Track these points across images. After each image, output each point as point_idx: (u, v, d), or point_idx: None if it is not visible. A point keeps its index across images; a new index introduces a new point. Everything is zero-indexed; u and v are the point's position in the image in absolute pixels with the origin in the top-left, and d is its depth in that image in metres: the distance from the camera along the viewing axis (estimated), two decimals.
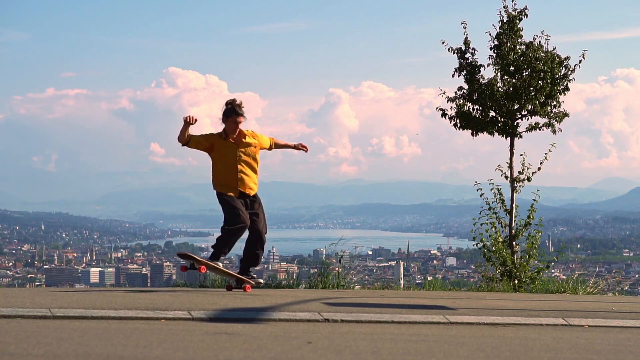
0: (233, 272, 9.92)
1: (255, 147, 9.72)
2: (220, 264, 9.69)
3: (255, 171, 9.73)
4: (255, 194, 9.75)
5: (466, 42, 13.03)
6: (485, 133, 12.98)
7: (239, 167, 9.59)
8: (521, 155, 12.74)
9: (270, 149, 9.99)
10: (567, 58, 12.71)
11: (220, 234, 9.70)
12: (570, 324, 7.99)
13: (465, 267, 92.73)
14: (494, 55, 12.86)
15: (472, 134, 13.04)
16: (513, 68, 12.74)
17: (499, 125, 12.87)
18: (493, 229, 12.47)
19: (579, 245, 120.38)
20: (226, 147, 9.59)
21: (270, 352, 5.56)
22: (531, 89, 12.60)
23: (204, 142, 9.62)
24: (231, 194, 9.59)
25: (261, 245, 9.81)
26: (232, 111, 9.53)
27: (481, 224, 12.55)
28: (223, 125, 9.62)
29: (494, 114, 12.88)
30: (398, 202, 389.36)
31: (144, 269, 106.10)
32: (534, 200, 12.67)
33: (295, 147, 10.16)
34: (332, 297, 9.41)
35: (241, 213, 9.48)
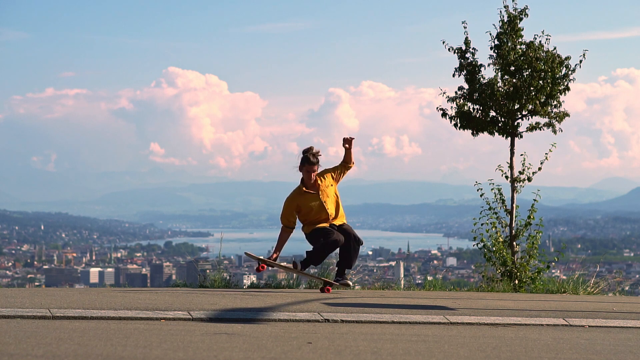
0: (308, 274, 10.33)
1: (333, 184, 10.11)
2: (297, 264, 10.06)
3: (339, 205, 10.15)
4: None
5: (466, 42, 13.01)
6: (485, 133, 12.96)
7: (328, 211, 9.99)
8: (522, 155, 12.72)
9: (347, 169, 10.23)
10: (567, 58, 12.70)
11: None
12: (570, 324, 7.98)
13: (465, 267, 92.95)
14: (495, 55, 12.84)
15: (472, 134, 13.02)
16: (513, 68, 12.73)
17: (500, 125, 12.86)
18: (493, 229, 12.46)
19: (579, 245, 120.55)
20: (310, 199, 9.96)
21: (270, 352, 5.55)
22: (532, 88, 12.58)
23: (295, 215, 10.04)
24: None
25: (355, 249, 10.09)
26: (306, 160, 9.90)
27: (481, 224, 12.53)
28: (300, 174, 10.01)
29: (494, 113, 12.87)
30: (398, 202, 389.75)
31: (144, 269, 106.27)
32: (535, 200, 12.65)
33: (349, 148, 10.22)
34: (332, 297, 9.40)
35: (334, 231, 9.92)
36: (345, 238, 9.99)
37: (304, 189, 9.99)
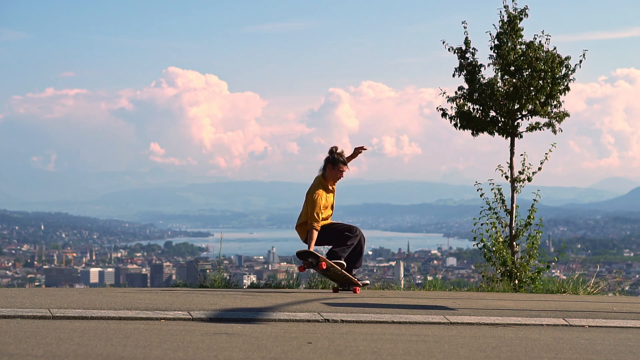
0: (350, 275, 10.13)
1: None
2: (343, 264, 10.01)
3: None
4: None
5: (466, 42, 13.01)
6: (485, 133, 12.96)
7: (333, 209, 10.24)
8: (521, 155, 12.72)
9: None
10: (567, 58, 12.70)
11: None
12: (570, 324, 7.98)
13: (465, 267, 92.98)
14: (495, 55, 12.84)
15: (472, 134, 13.02)
16: (513, 68, 12.73)
17: (500, 125, 12.86)
18: (493, 229, 12.46)
19: (579, 246, 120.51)
20: (328, 195, 10.14)
21: (270, 352, 5.55)
22: (531, 88, 12.58)
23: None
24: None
25: (364, 247, 10.29)
26: (340, 161, 10.07)
27: (481, 224, 12.52)
28: (323, 170, 10.13)
29: (494, 113, 12.87)
30: (398, 202, 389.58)
31: (144, 269, 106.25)
32: (535, 200, 12.65)
33: (356, 154, 10.46)
34: (332, 297, 9.40)
35: (354, 226, 10.16)
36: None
37: (329, 186, 10.12)
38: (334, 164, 10.05)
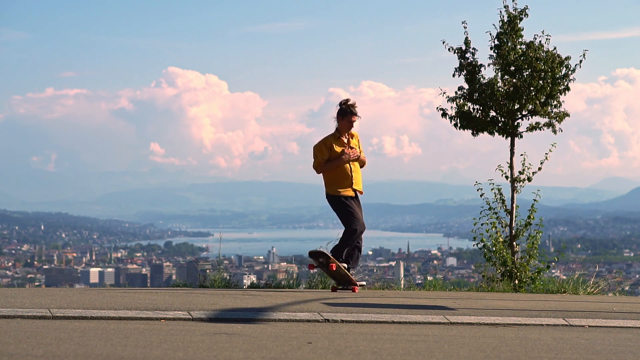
0: (350, 276, 10.09)
1: (358, 147, 10.31)
2: (346, 266, 10.04)
3: (359, 171, 10.34)
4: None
5: (466, 42, 13.01)
6: (485, 133, 12.96)
7: (351, 164, 10.16)
8: (522, 155, 12.72)
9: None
10: (567, 58, 12.69)
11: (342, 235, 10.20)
12: (570, 324, 7.98)
13: (465, 267, 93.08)
14: (495, 55, 12.84)
15: (472, 134, 13.02)
16: (513, 68, 12.72)
17: (500, 125, 12.85)
18: (493, 229, 12.46)
19: (579, 246, 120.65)
20: (339, 147, 10.12)
21: (270, 352, 5.55)
22: (532, 88, 12.58)
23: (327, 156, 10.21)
24: (347, 193, 10.13)
25: (361, 248, 10.29)
26: (349, 112, 10.05)
27: (481, 224, 12.52)
28: (336, 125, 10.17)
29: (494, 113, 12.87)
30: (398, 202, 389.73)
31: (144, 269, 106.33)
32: (535, 200, 12.65)
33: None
34: (332, 297, 9.39)
35: (358, 217, 10.16)
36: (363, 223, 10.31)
37: (344, 138, 10.13)
38: (343, 115, 10.08)
